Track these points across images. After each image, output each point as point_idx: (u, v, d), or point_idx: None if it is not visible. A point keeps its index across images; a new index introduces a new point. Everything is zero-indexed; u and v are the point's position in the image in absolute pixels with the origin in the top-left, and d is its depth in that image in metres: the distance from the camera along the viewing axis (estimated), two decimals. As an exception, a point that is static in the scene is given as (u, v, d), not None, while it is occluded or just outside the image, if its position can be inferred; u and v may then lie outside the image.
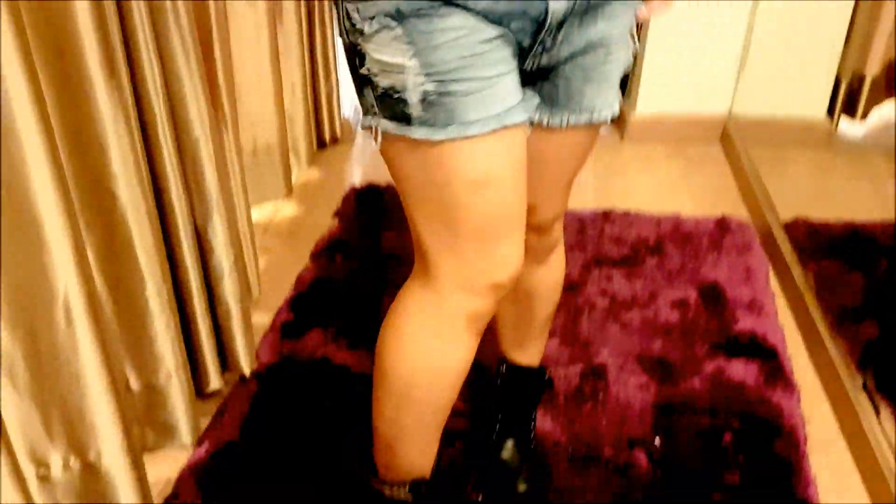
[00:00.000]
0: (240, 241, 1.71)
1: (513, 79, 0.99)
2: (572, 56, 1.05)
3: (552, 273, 1.40)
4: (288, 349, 1.77)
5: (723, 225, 2.27)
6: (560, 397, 1.69)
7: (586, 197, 2.44)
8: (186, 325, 1.50)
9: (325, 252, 2.09)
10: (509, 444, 1.49)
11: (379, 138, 1.00)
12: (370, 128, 1.00)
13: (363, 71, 0.98)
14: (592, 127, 1.16)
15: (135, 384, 1.42)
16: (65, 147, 1.18)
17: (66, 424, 1.22)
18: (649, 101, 2.73)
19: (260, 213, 2.23)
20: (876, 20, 2.47)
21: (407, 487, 1.26)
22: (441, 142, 0.95)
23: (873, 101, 2.57)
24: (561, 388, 1.71)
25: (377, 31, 0.94)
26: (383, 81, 0.96)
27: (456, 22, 0.92)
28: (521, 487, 1.47)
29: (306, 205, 2.30)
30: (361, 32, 0.95)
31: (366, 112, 1.01)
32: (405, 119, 0.96)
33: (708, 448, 1.58)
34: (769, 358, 1.80)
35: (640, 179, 2.60)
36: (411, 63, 0.93)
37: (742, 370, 1.76)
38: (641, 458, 1.55)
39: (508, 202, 1.04)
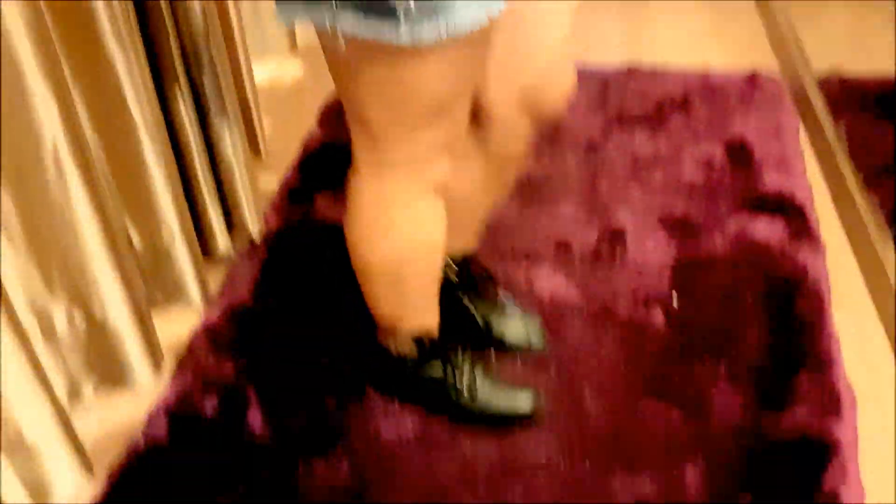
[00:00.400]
0: (242, 96, 1.64)
1: None
2: None
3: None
4: (297, 213, 1.72)
5: (753, 80, 2.15)
6: (576, 260, 1.64)
7: (610, 53, 2.31)
8: (188, 185, 1.46)
9: (333, 113, 2.01)
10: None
11: (341, 41, 0.88)
12: (328, 28, 0.87)
13: None
14: None
15: (138, 242, 1.38)
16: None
17: (66, 279, 1.20)
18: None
19: (264, 72, 2.14)
20: None
21: (412, 342, 1.25)
22: (424, 47, 0.87)
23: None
24: (577, 251, 1.66)
25: None
26: None
27: None
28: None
29: (312, 63, 2.20)
30: None
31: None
32: (388, 15, 0.83)
33: (728, 307, 1.53)
34: (796, 216, 1.73)
35: (667, 33, 2.46)
36: None
37: (767, 228, 1.70)
38: (658, 317, 1.51)
39: (472, 81, 1.01)
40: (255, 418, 1.32)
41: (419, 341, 1.25)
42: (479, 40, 0.94)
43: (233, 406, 1.34)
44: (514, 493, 1.22)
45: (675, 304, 1.54)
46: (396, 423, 1.32)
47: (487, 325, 1.43)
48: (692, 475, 1.26)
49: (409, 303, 1.23)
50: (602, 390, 1.38)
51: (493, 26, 0.94)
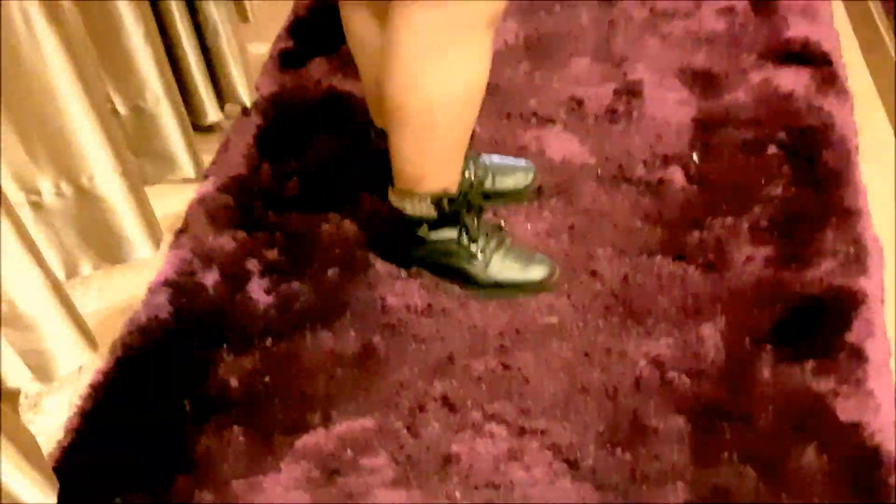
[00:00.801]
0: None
1: None
2: None
3: None
4: (290, 80, 1.63)
5: (779, -78, 1.98)
6: (589, 119, 1.55)
7: None
8: (170, 49, 1.37)
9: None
10: None
11: None
12: None
13: None
14: None
15: (121, 107, 1.31)
16: None
17: (50, 147, 1.13)
18: None
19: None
20: None
21: (429, 201, 1.18)
22: None
23: None
24: (591, 109, 1.57)
25: None
26: None
27: None
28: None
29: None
30: None
31: None
32: None
33: (751, 161, 1.45)
34: (822, 65, 1.62)
35: None
36: None
37: (792, 79, 1.59)
38: (677, 175, 1.44)
39: None
40: (257, 291, 1.28)
41: (438, 202, 1.19)
42: None
43: (234, 278, 1.30)
44: (524, 358, 1.19)
45: (695, 160, 1.46)
46: (403, 293, 1.27)
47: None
48: (709, 332, 1.21)
49: (437, 158, 1.16)
50: (616, 252, 1.33)
51: None
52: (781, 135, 1.49)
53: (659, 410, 1.13)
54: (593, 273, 1.30)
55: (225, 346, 1.21)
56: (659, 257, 1.31)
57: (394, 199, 1.22)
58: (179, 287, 1.29)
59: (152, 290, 1.29)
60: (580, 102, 1.58)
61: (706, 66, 1.64)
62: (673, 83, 1.61)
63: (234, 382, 1.16)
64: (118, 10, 1.18)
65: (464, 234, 1.23)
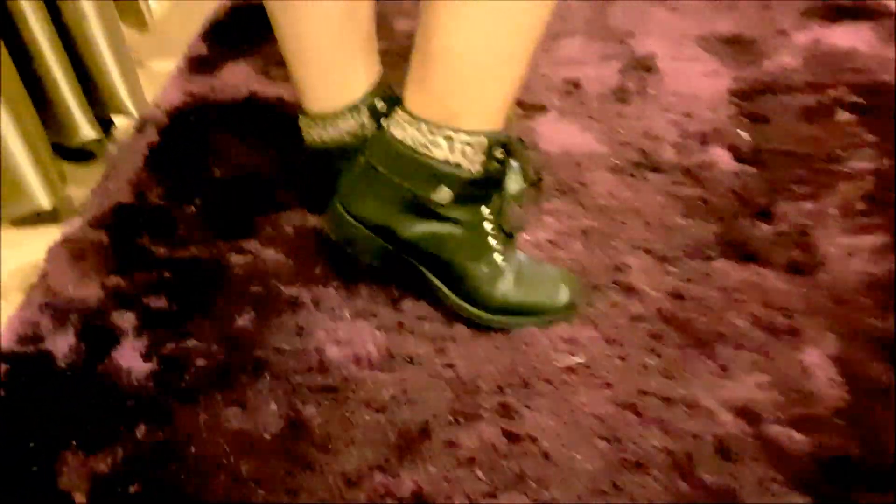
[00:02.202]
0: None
1: None
2: None
3: None
4: (199, 88, 1.25)
5: None
6: (591, 102, 1.17)
7: None
8: (28, 64, 0.99)
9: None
10: None
11: None
12: None
13: None
14: None
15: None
16: None
17: None
18: None
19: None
20: None
21: (485, 143, 0.75)
22: None
23: None
24: (592, 91, 1.19)
25: None
26: None
27: None
28: None
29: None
30: None
31: None
32: None
33: (817, 130, 1.07)
34: (882, 17, 1.26)
35: None
36: None
37: (849, 35, 1.23)
38: (721, 155, 1.05)
39: None
40: (129, 356, 0.85)
41: (490, 149, 0.76)
42: None
43: (96, 341, 0.87)
44: (538, 421, 0.76)
45: (744, 136, 1.07)
46: (350, 339, 0.86)
47: None
48: (816, 359, 0.80)
49: (502, 77, 0.74)
50: (655, 259, 0.92)
51: None
52: (851, 96, 1.11)
53: (764, 486, 0.70)
54: (628, 289, 0.88)
55: (73, 442, 0.78)
56: (720, 261, 0.91)
57: (406, 131, 0.77)
58: (18, 361, 0.86)
59: (-15, 367, 0.87)
60: (576, 85, 1.20)
61: (735, 33, 1.27)
62: (696, 53, 1.24)
63: (79, 497, 0.73)
64: None
65: (489, 215, 0.82)
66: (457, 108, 0.74)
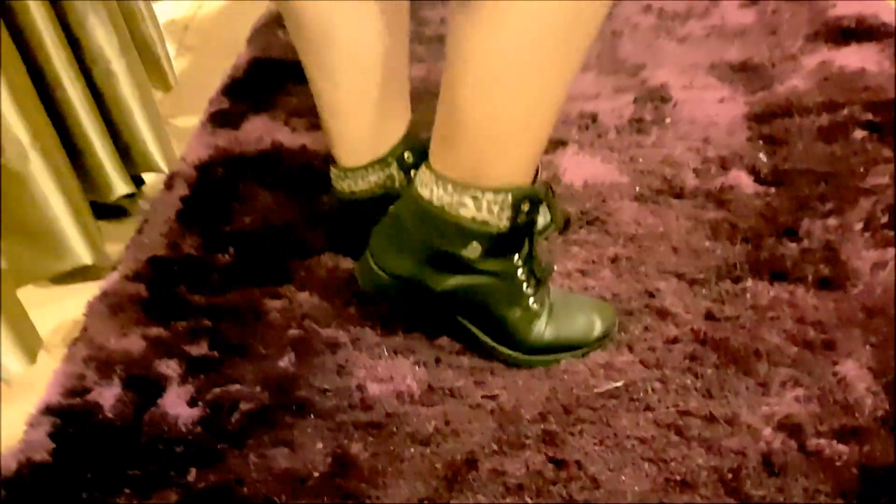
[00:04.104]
0: (130, 14, 1.22)
1: None
2: None
3: None
4: (224, 141, 1.28)
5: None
6: (611, 133, 1.20)
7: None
8: (55, 106, 1.02)
9: (263, 30, 1.57)
10: None
11: None
12: None
13: None
14: None
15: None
16: None
17: None
18: None
19: (176, 8, 1.72)
20: None
21: (509, 199, 0.75)
22: None
23: None
24: (609, 123, 1.22)
25: None
26: None
27: None
28: None
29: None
30: None
31: None
32: None
33: (835, 149, 1.09)
34: (886, 37, 1.29)
35: None
36: None
37: (857, 56, 1.25)
38: (742, 179, 1.07)
39: None
40: (175, 403, 0.86)
41: (518, 203, 0.76)
42: None
43: (142, 390, 0.88)
44: (583, 446, 0.77)
45: (763, 158, 1.09)
46: (391, 376, 0.87)
47: None
48: (854, 371, 0.80)
49: (524, 135, 0.75)
50: (685, 282, 0.93)
51: None
52: (865, 115, 1.13)
53: (811, 498, 0.71)
54: (661, 313, 0.90)
55: (126, 489, 0.79)
56: (750, 281, 0.92)
57: (433, 191, 0.78)
58: (66, 413, 0.88)
59: (31, 424, 0.88)
60: (594, 118, 1.23)
61: (745, 59, 1.30)
62: (708, 81, 1.27)
63: (136, 543, 0.74)
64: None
65: (521, 262, 0.83)
66: (482, 168, 0.75)
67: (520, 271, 0.82)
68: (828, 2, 1.39)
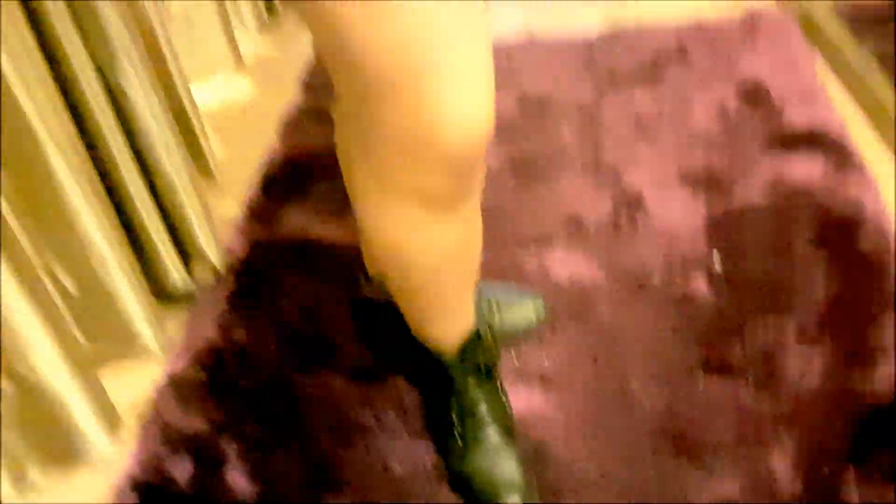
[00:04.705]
0: (182, 117, 1.43)
1: None
2: None
3: None
4: (264, 234, 1.49)
5: (753, 20, 1.93)
6: (592, 234, 1.41)
7: (589, 18, 2.09)
8: (125, 215, 1.23)
9: (294, 125, 1.79)
10: None
11: None
12: None
13: None
14: None
15: (72, 287, 1.15)
16: None
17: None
18: None
19: (211, 93, 1.93)
20: None
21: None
22: None
23: None
24: (592, 224, 1.43)
25: None
26: None
27: None
28: None
29: (263, 79, 1.99)
30: None
31: None
32: None
33: (780, 258, 1.30)
34: (834, 149, 1.50)
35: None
36: None
37: (805, 168, 1.47)
38: (700, 281, 1.28)
39: (433, 40, 0.67)
40: (236, 477, 1.08)
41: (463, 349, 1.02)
42: None
43: (209, 466, 1.10)
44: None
45: (717, 265, 1.30)
46: (409, 455, 1.08)
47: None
48: (780, 461, 1.01)
49: (427, 306, 0.98)
50: (651, 376, 1.14)
51: None
52: (807, 228, 1.34)
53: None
54: (629, 404, 1.11)
55: (203, 552, 1.00)
56: (702, 378, 1.13)
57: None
58: (147, 487, 1.08)
59: (118, 495, 1.09)
60: (578, 219, 1.44)
61: (708, 167, 1.51)
62: (675, 188, 1.48)
63: None
64: (54, 174, 1.05)
65: (452, 398, 1.04)
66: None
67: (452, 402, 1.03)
68: (784, 111, 1.61)
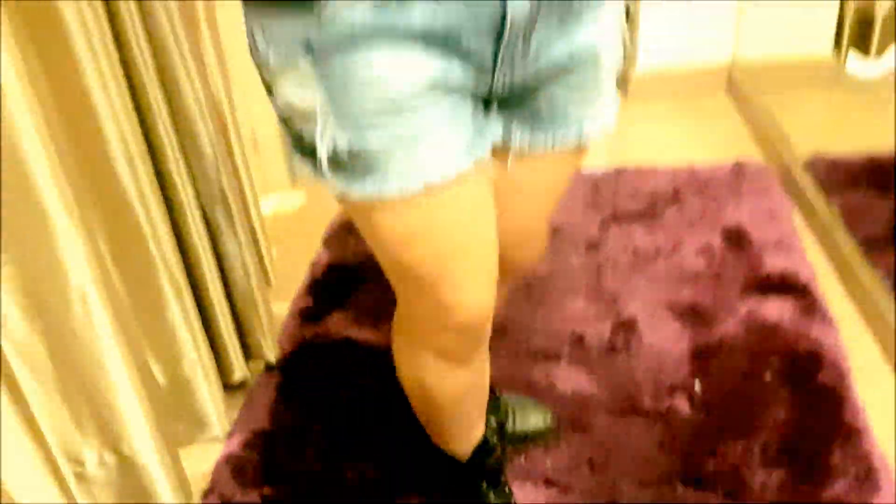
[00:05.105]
0: (251, 227, 1.68)
1: (453, 127, 0.80)
2: (553, 70, 0.86)
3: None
4: (310, 334, 1.74)
5: (739, 170, 2.22)
6: (592, 352, 1.65)
7: (596, 157, 2.39)
8: (205, 315, 1.47)
9: (337, 235, 2.06)
10: None
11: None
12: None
13: (275, 109, 0.83)
14: (579, 149, 0.97)
15: (160, 377, 1.39)
16: (62, 137, 1.15)
17: (96, 418, 1.20)
18: (650, 56, 2.68)
19: (267, 205, 2.20)
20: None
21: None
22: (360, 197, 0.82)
23: (886, 38, 2.49)
24: (593, 344, 1.67)
25: (284, 65, 0.77)
26: (294, 125, 0.81)
27: (382, 58, 0.73)
28: None
29: (313, 193, 2.27)
30: (267, 64, 0.79)
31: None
32: (320, 168, 0.81)
33: (750, 387, 1.53)
34: (802, 294, 1.75)
35: (648, 135, 2.55)
36: (322, 109, 0.76)
37: (776, 309, 1.72)
38: (682, 403, 1.51)
39: (450, 252, 0.88)
40: (288, 546, 1.29)
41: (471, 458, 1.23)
42: (435, 204, 0.83)
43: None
44: None
45: (697, 389, 1.54)
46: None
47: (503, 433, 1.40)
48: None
49: (445, 429, 1.21)
50: (639, 482, 1.36)
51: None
52: (775, 362, 1.58)
53: None
54: (618, 508, 1.32)
55: None
56: (680, 487, 1.35)
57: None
58: (211, 548, 1.29)
59: (182, 554, 1.30)
60: (581, 338, 1.68)
61: (694, 301, 1.76)
62: (665, 318, 1.73)
63: None
64: (162, 287, 1.30)
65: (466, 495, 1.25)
66: None
67: None
68: (762, 257, 1.87)
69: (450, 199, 0.83)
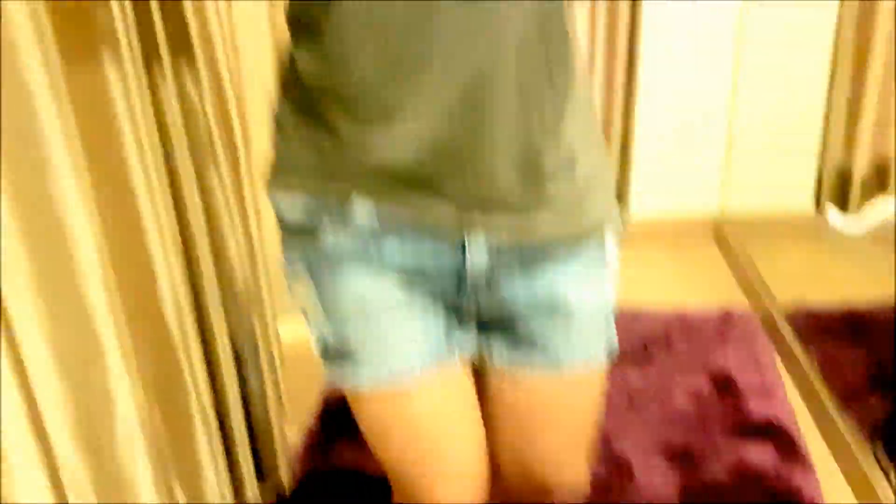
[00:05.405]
0: (272, 358, 1.81)
1: (422, 325, 0.92)
2: (522, 309, 0.94)
3: None
4: (320, 462, 1.84)
5: (726, 317, 2.37)
6: (591, 493, 1.74)
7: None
8: (225, 441, 1.58)
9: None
10: None
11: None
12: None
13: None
14: (578, 379, 1.05)
15: (180, 497, 1.48)
16: (115, 267, 1.28)
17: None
18: (643, 206, 2.88)
19: (283, 330, 2.33)
20: (855, 115, 2.62)
21: None
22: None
23: (865, 194, 2.69)
24: (591, 482, 1.77)
25: (291, 269, 0.97)
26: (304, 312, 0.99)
27: (361, 278, 0.90)
28: None
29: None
30: (283, 265, 0.98)
31: None
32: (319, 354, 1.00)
33: (735, 531, 1.63)
34: (783, 440, 1.87)
35: (639, 281, 2.71)
36: (313, 308, 0.95)
37: (760, 454, 1.83)
38: (672, 544, 1.60)
39: (421, 453, 0.98)
40: None
41: None
42: (405, 401, 0.94)
43: None
44: None
45: (686, 531, 1.63)
46: None
47: None
48: None
49: None
50: None
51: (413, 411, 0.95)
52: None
53: None
54: None
55: None
56: None
57: None
58: None
59: None
60: (578, 478, 1.78)
61: (683, 443, 1.87)
62: (658, 460, 1.83)
63: None
64: (191, 416, 1.42)
65: None
66: None
67: None
68: (746, 402, 2.00)
69: (418, 396, 0.94)
